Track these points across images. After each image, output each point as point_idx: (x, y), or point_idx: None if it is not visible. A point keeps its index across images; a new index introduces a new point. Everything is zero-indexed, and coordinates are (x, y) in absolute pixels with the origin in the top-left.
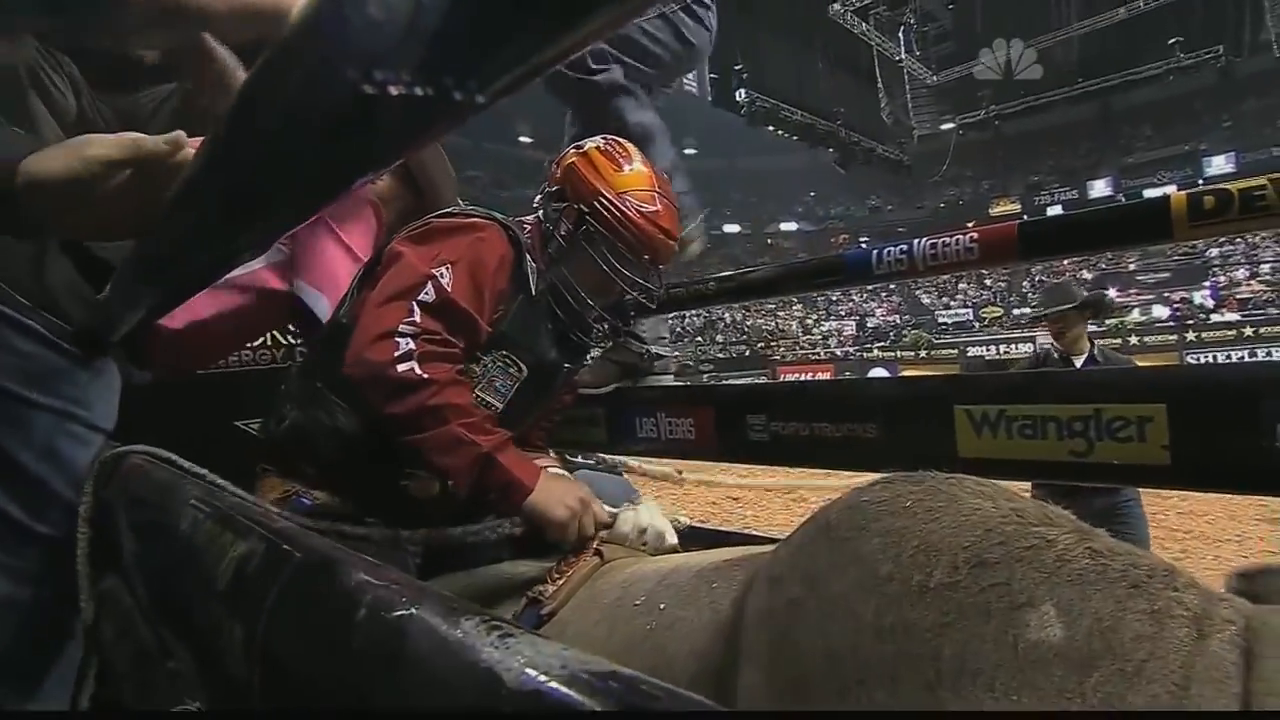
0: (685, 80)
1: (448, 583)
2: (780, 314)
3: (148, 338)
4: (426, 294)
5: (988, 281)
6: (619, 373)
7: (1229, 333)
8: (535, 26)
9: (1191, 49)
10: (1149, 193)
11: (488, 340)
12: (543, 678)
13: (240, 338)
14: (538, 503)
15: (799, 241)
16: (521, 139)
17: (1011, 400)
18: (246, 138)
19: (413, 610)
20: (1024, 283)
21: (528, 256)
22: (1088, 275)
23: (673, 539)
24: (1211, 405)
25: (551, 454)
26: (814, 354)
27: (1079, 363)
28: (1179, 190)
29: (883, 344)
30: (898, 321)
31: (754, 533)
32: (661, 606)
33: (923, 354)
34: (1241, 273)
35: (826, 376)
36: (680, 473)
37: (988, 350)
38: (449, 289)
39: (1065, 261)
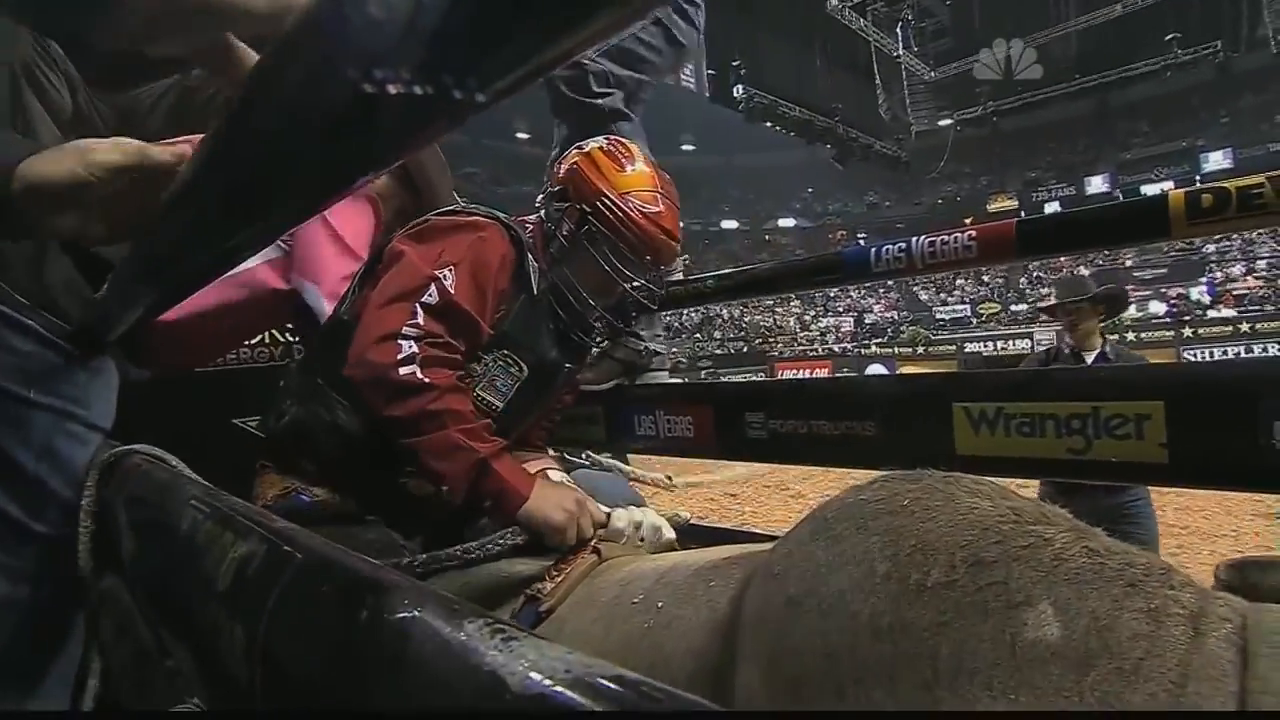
0: (683, 76)
1: (446, 581)
2: (778, 310)
3: (146, 335)
4: (430, 296)
5: (985, 278)
6: (620, 369)
7: (1225, 329)
8: (537, 27)
9: (1189, 45)
10: (1146, 189)
11: (489, 340)
12: (547, 681)
13: (239, 335)
14: (534, 509)
15: (797, 238)
16: (519, 135)
17: (1010, 398)
18: (247, 136)
19: (415, 613)
20: (1021, 279)
21: (529, 256)
22: (1085, 271)
23: (670, 534)
24: (1209, 403)
25: (550, 452)
26: (812, 350)
27: (1090, 359)
28: (1175, 187)
29: (880, 340)
30: (895, 318)
31: (752, 530)
32: (659, 605)
33: (920, 350)
34: (1238, 269)
35: (824, 373)
36: (670, 478)
37: (985, 346)
38: (452, 291)
39: (1062, 259)
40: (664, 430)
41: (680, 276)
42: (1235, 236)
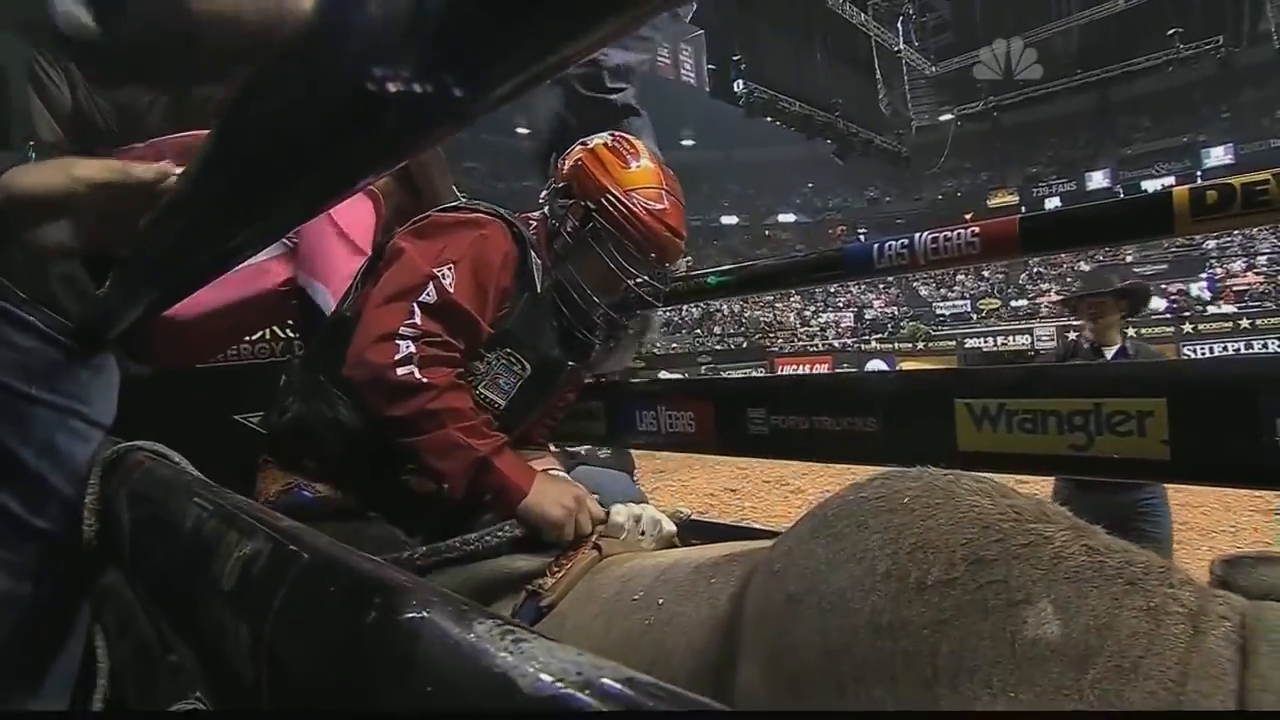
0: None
1: (448, 578)
2: (778, 305)
3: (147, 332)
4: (428, 295)
5: (985, 273)
6: (636, 340)
7: (1225, 325)
8: (546, 28)
9: (1191, 40)
10: (1147, 184)
11: (492, 338)
12: (558, 684)
13: (241, 332)
14: (533, 505)
15: (797, 233)
16: (519, 130)
17: (1012, 394)
18: (250, 134)
19: (424, 613)
20: (1021, 275)
21: (532, 253)
22: (1085, 266)
23: (670, 528)
24: (1211, 400)
25: (552, 448)
26: (812, 346)
27: (1109, 354)
28: (1177, 182)
29: (881, 336)
30: (895, 313)
31: (753, 525)
32: (660, 601)
33: (920, 346)
34: (1238, 265)
35: (824, 368)
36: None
37: (985, 342)
38: (451, 289)
39: (1064, 255)
40: (665, 426)
41: (683, 271)
42: (1235, 232)
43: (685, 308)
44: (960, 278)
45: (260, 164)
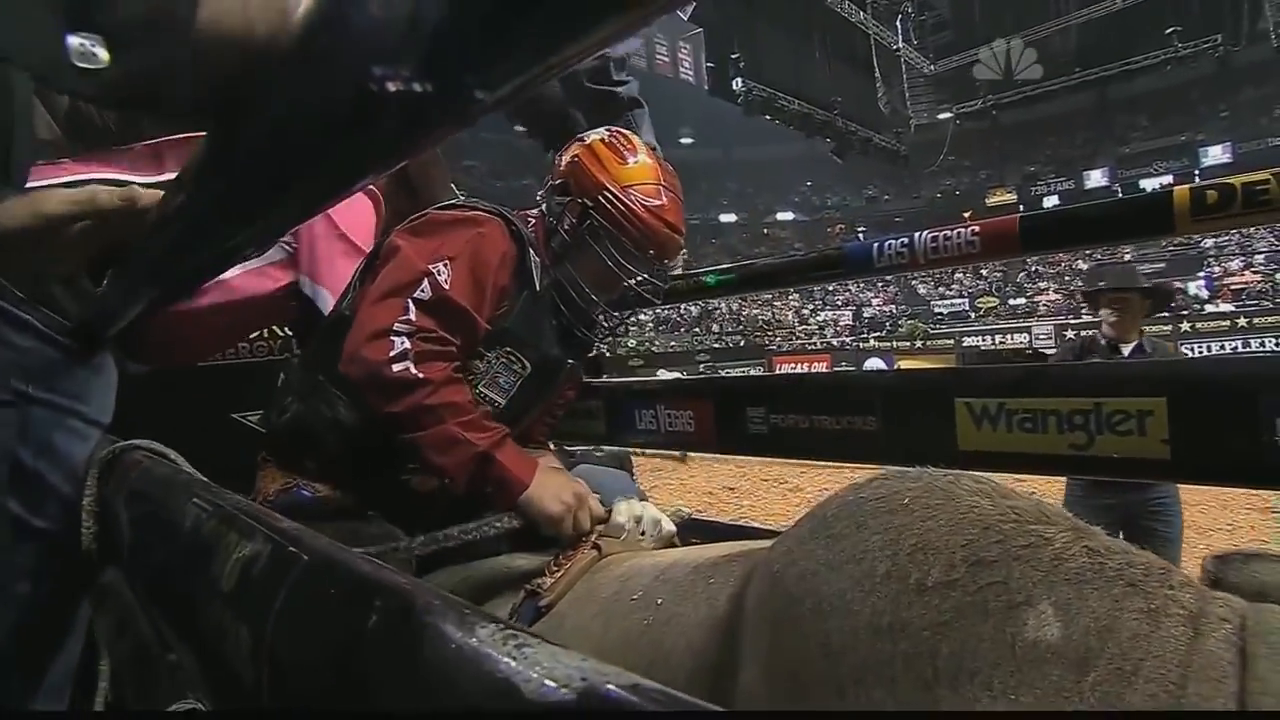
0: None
1: (447, 576)
2: (776, 304)
3: (145, 331)
4: (422, 291)
5: (983, 272)
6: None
7: (1223, 323)
8: (546, 29)
9: (1189, 39)
10: (1145, 183)
11: (491, 337)
12: (563, 690)
13: (238, 332)
14: (533, 498)
15: (795, 231)
16: (518, 128)
17: (1012, 394)
18: (250, 134)
19: (426, 617)
20: (1020, 274)
21: (531, 251)
22: (1083, 265)
23: (670, 528)
24: (1211, 400)
25: (551, 446)
26: (810, 344)
27: (1127, 351)
28: (1175, 181)
29: (879, 334)
30: (894, 311)
31: (751, 524)
32: (659, 602)
33: (918, 344)
34: (1236, 263)
35: (823, 367)
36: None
37: (983, 340)
38: (446, 286)
39: (1061, 254)
40: (665, 425)
41: (679, 270)
42: (1233, 231)
43: (683, 306)
44: (959, 276)
45: (259, 164)
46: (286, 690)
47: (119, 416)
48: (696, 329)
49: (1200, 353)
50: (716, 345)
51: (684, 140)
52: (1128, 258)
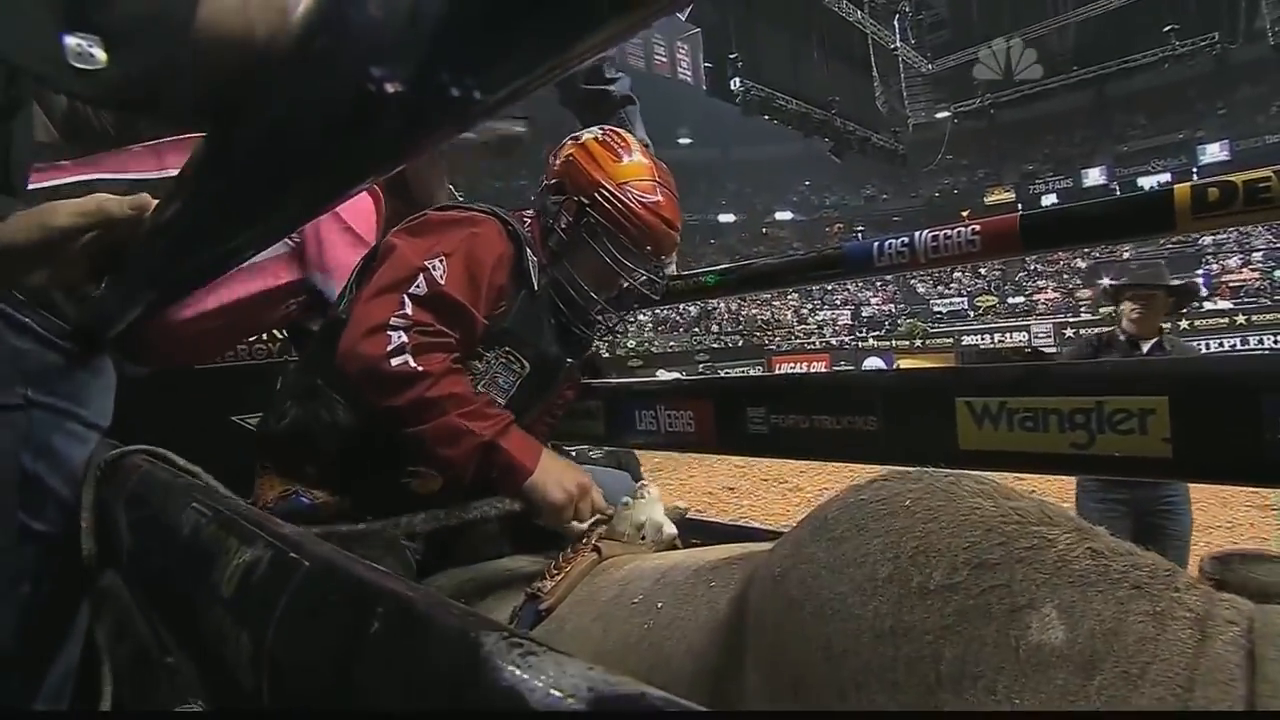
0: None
1: (448, 578)
2: (775, 303)
3: (145, 333)
4: (417, 286)
5: (982, 271)
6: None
7: (1222, 321)
8: (546, 31)
9: (1186, 37)
10: (1143, 181)
11: (490, 337)
12: (570, 700)
13: (241, 332)
14: (537, 484)
15: (794, 231)
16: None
17: (1012, 393)
18: (249, 136)
19: (428, 625)
20: (1019, 273)
21: (528, 251)
22: (1081, 264)
23: (671, 530)
24: (1213, 398)
25: (549, 445)
26: (809, 344)
27: (1146, 348)
28: (1172, 179)
29: (878, 333)
30: (893, 311)
31: (753, 525)
32: (659, 605)
33: (918, 343)
34: (1234, 261)
35: (822, 366)
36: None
37: (982, 339)
38: (441, 281)
39: (1060, 253)
40: (665, 425)
41: (673, 269)
42: (1232, 228)
43: (682, 306)
44: (957, 275)
45: (259, 165)
46: (287, 697)
47: (118, 419)
48: (696, 329)
49: (1199, 350)
50: (715, 345)
51: (682, 140)
52: (1126, 255)
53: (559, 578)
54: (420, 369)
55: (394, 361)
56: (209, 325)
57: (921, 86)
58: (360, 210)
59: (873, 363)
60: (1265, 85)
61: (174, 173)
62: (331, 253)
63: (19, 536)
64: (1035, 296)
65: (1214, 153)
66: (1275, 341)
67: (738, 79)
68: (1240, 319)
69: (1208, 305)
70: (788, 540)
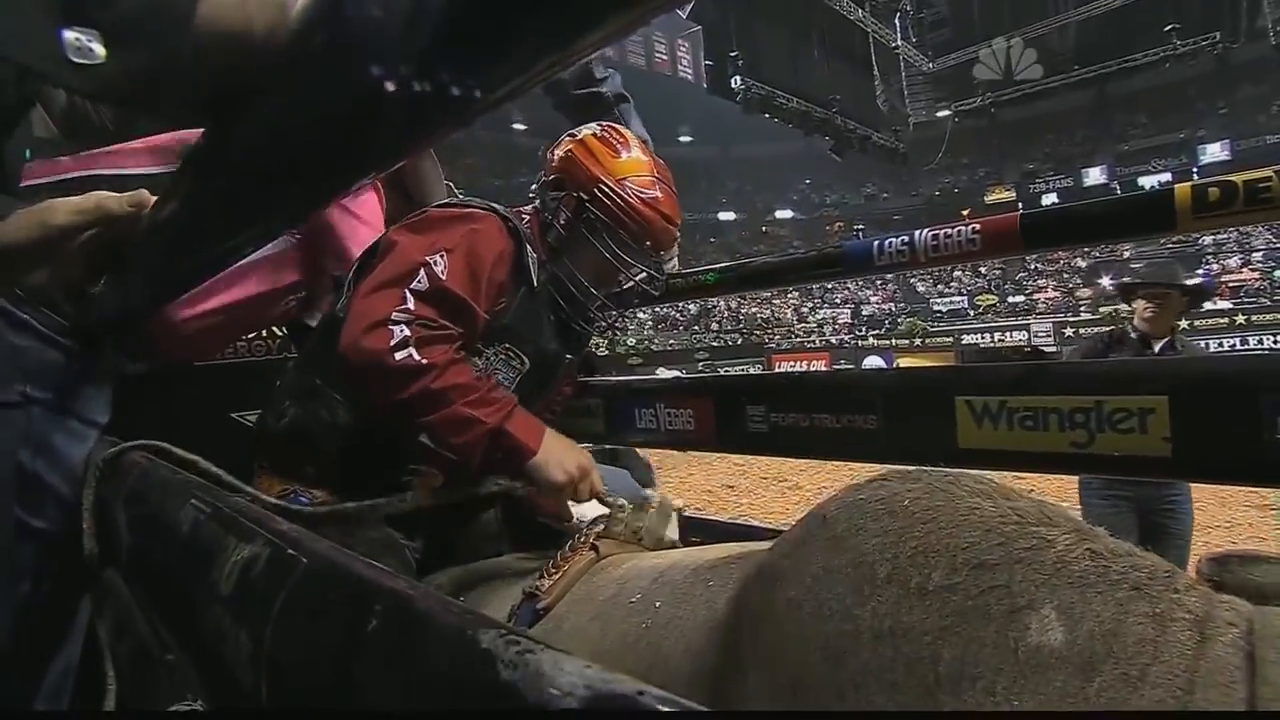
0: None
1: (447, 577)
2: (775, 302)
3: (147, 329)
4: (419, 282)
5: (982, 270)
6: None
7: (1222, 321)
8: (545, 28)
9: (1188, 36)
10: (1143, 181)
11: (490, 333)
12: (567, 698)
13: (242, 328)
14: (539, 464)
15: (794, 229)
16: (516, 126)
17: (1012, 392)
18: (248, 132)
19: (426, 622)
20: (1019, 272)
21: (528, 247)
22: (1082, 263)
23: (672, 537)
24: (1213, 397)
25: None
26: (809, 342)
27: (1158, 347)
28: (1173, 178)
29: (878, 332)
30: (893, 309)
31: (752, 523)
32: (657, 604)
33: (918, 342)
34: (1234, 261)
35: (822, 365)
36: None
37: (982, 338)
38: (443, 276)
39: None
40: (664, 423)
41: (675, 263)
42: (1232, 228)
43: (682, 304)
44: (957, 274)
45: (257, 161)
46: (285, 695)
47: (117, 416)
48: (695, 327)
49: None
50: (715, 344)
51: (682, 138)
52: (1126, 254)
53: (557, 576)
54: (424, 361)
55: (398, 355)
56: (209, 322)
57: (922, 85)
58: (368, 203)
59: (873, 361)
60: (1266, 85)
61: (172, 169)
62: (351, 243)
63: (17, 534)
64: (1035, 296)
65: (1215, 152)
66: (1275, 341)
67: (738, 77)
68: (1240, 319)
69: (1207, 305)
70: (786, 540)
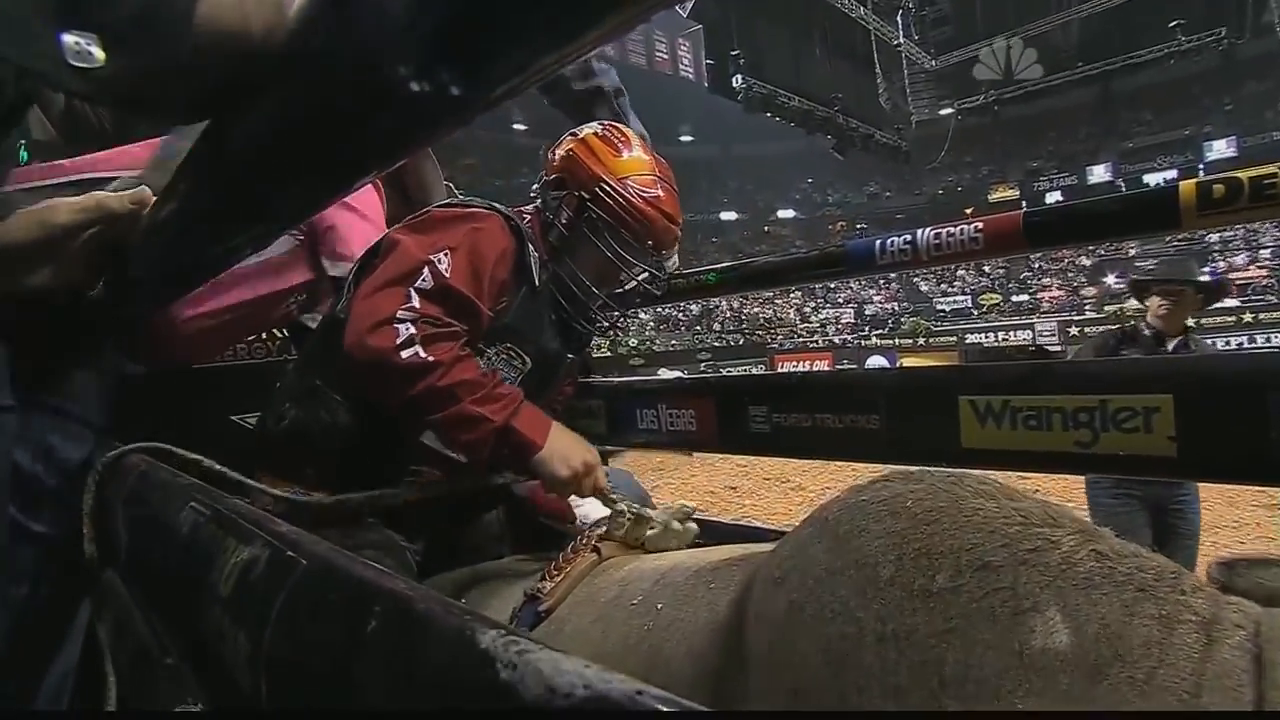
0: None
1: (447, 579)
2: (777, 301)
3: (148, 331)
4: (424, 281)
5: (986, 269)
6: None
7: (1228, 318)
8: (548, 25)
9: (1193, 32)
10: (1149, 178)
11: (492, 332)
12: (563, 697)
13: (243, 331)
14: (544, 459)
15: (796, 229)
16: (516, 126)
17: (1016, 391)
18: (247, 133)
19: (426, 623)
20: (1023, 271)
21: (530, 247)
22: (1086, 261)
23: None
24: (1219, 396)
25: None
26: (812, 342)
27: (1172, 345)
28: (1179, 175)
29: (881, 331)
30: (896, 309)
31: (755, 524)
32: (659, 606)
33: (921, 342)
34: (1241, 258)
35: (825, 365)
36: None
37: (986, 338)
38: (447, 275)
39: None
40: (666, 424)
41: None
42: (1238, 225)
43: (684, 305)
44: (961, 273)
45: (256, 162)
46: (285, 697)
47: (116, 418)
48: (698, 327)
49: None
50: (718, 344)
51: (683, 138)
52: (1132, 252)
53: (559, 578)
54: (431, 359)
55: (404, 354)
56: (210, 323)
57: (925, 83)
58: (370, 201)
59: (876, 361)
60: (1273, 80)
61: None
62: (353, 241)
63: (16, 537)
64: (1039, 294)
65: (1220, 149)
66: None
67: (739, 75)
68: (1247, 316)
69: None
70: (788, 541)
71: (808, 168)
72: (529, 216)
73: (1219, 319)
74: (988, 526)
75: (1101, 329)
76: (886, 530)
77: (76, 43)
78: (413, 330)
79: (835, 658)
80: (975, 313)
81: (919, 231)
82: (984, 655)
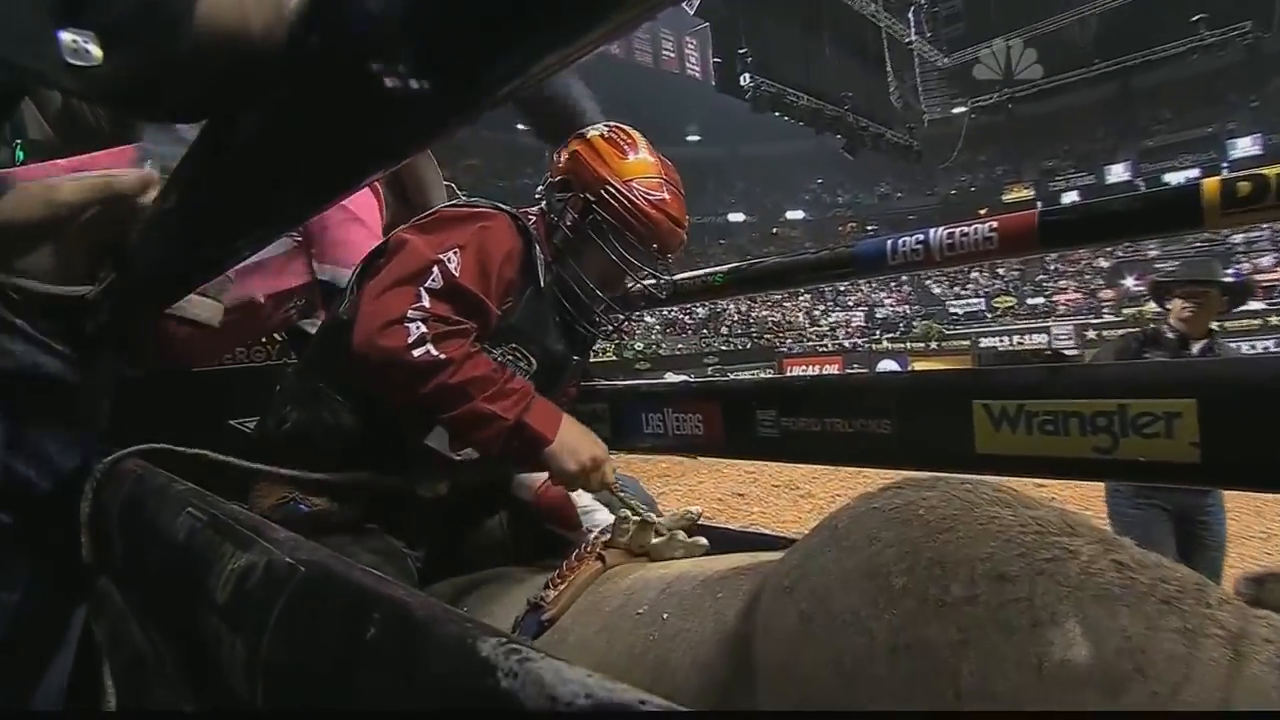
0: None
1: (449, 586)
2: (786, 304)
3: (147, 334)
4: (434, 280)
5: (1000, 270)
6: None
7: (1254, 322)
8: (548, 24)
9: (1216, 26)
10: (1169, 177)
11: (497, 333)
12: (565, 706)
13: (244, 334)
14: (553, 453)
15: (805, 230)
16: (520, 126)
17: (1032, 395)
18: (245, 133)
19: (425, 631)
20: (1038, 273)
21: (536, 247)
22: (1104, 263)
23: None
24: (1245, 401)
25: None
26: (821, 346)
27: (1196, 349)
28: (1201, 175)
29: (892, 335)
30: (907, 312)
31: (763, 532)
32: (664, 616)
33: (934, 345)
34: (1267, 260)
35: (834, 369)
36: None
37: (1000, 341)
38: (457, 274)
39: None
40: (672, 428)
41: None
42: (1264, 225)
43: (691, 308)
44: (974, 275)
45: (256, 163)
46: (282, 704)
47: (114, 422)
48: (705, 331)
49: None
50: (725, 348)
51: (690, 138)
52: (1152, 253)
53: (562, 587)
54: (443, 357)
55: (416, 352)
56: (210, 326)
57: (937, 81)
58: (366, 204)
59: (887, 366)
60: None
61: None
62: (346, 246)
63: (11, 542)
64: (1055, 297)
65: (1245, 147)
66: None
67: (747, 74)
68: (1274, 319)
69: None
70: (797, 550)
71: (817, 168)
72: (534, 218)
73: (1245, 322)
74: (1004, 535)
75: (1121, 333)
76: (899, 538)
77: (74, 41)
78: (424, 329)
79: (846, 670)
80: (989, 315)
81: (932, 231)
82: (1000, 669)
